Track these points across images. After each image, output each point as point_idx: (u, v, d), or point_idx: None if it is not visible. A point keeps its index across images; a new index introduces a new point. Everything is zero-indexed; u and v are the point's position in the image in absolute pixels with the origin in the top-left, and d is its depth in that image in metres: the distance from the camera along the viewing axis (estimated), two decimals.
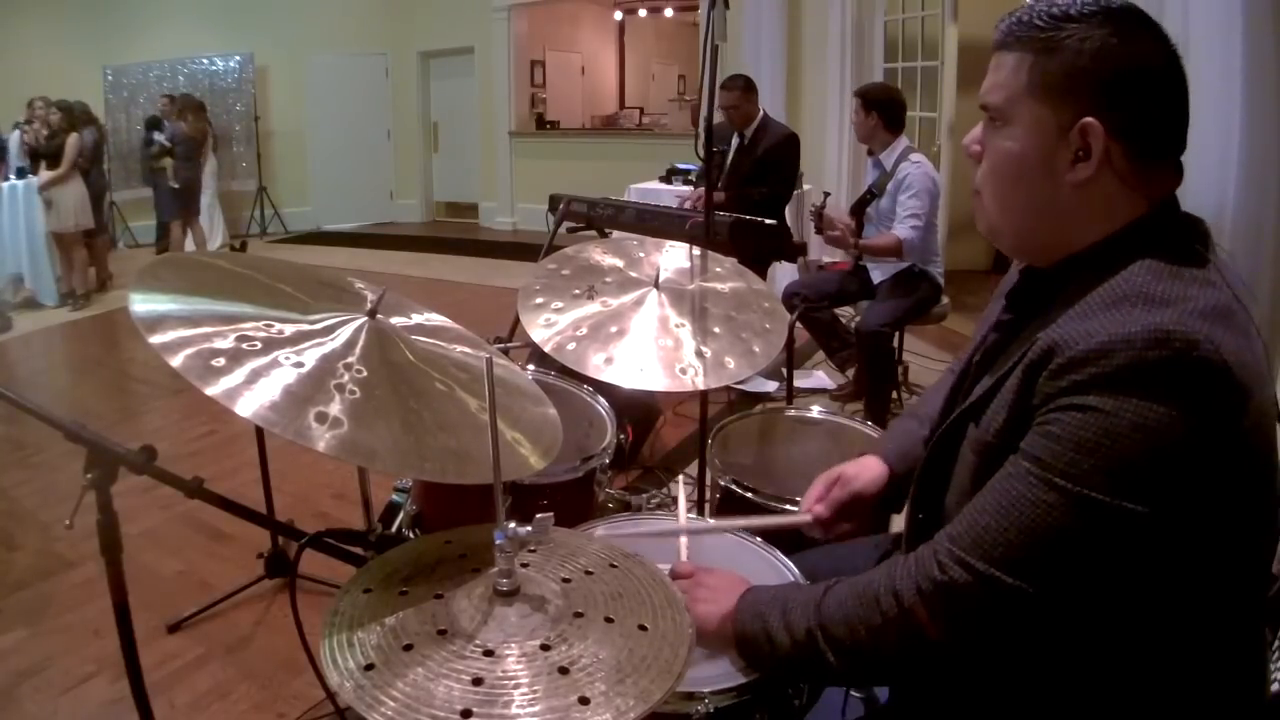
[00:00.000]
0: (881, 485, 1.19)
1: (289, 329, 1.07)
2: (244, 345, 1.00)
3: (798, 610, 0.89)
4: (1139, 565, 0.74)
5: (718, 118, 4.05)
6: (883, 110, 3.33)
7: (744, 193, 3.77)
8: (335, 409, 0.97)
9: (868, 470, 1.20)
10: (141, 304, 1.01)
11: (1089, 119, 0.80)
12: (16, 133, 5.98)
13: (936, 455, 0.97)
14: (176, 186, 7.03)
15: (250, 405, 0.92)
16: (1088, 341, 0.74)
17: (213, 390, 0.92)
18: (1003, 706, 0.86)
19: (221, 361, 0.96)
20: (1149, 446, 0.71)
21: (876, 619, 0.84)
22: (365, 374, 1.04)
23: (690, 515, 1.26)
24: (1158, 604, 0.77)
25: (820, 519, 1.19)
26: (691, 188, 4.84)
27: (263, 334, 1.03)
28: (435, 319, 1.40)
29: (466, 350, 1.31)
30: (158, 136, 7.03)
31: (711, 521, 1.34)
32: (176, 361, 0.94)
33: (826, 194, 3.53)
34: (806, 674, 0.97)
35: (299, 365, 1.00)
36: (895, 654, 0.84)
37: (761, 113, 4.01)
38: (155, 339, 0.96)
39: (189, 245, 7.65)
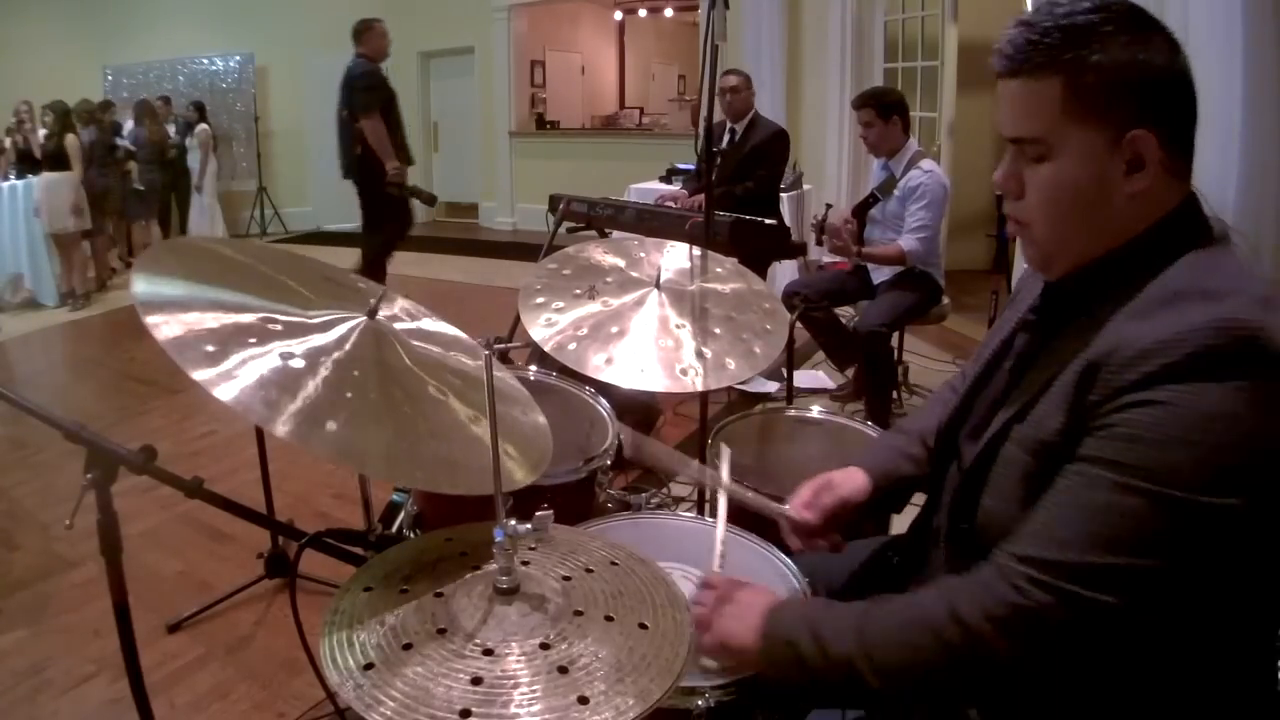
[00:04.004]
0: (865, 496, 1.16)
1: (288, 322, 1.06)
2: (241, 334, 0.99)
3: (833, 635, 0.86)
4: (1226, 562, 0.72)
5: (716, 112, 4.07)
6: (901, 113, 3.28)
7: (727, 190, 3.77)
8: (327, 408, 0.95)
9: (854, 479, 1.18)
10: (144, 286, 1.00)
11: (1139, 130, 0.79)
12: (74, 136, 5.99)
13: (978, 461, 0.93)
14: (142, 189, 7.06)
15: (232, 391, 0.90)
16: (1150, 336, 0.74)
17: (201, 375, 0.90)
18: (1022, 706, 0.84)
19: (213, 348, 0.94)
20: (1229, 435, 0.70)
21: (936, 646, 0.80)
22: (359, 374, 1.03)
23: (714, 520, 1.23)
24: (1228, 598, 0.76)
25: (804, 523, 1.15)
26: (676, 187, 4.87)
27: (261, 325, 1.02)
28: (434, 323, 1.40)
29: (463, 357, 1.30)
30: (120, 141, 7.04)
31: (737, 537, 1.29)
32: (168, 341, 0.92)
33: (828, 205, 3.52)
34: (840, 694, 0.94)
35: (292, 358, 0.99)
36: (957, 678, 0.81)
37: (754, 109, 4.04)
38: (151, 319, 0.94)
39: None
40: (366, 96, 4.69)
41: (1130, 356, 0.74)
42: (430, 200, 5.46)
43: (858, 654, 0.84)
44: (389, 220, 5.20)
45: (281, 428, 0.90)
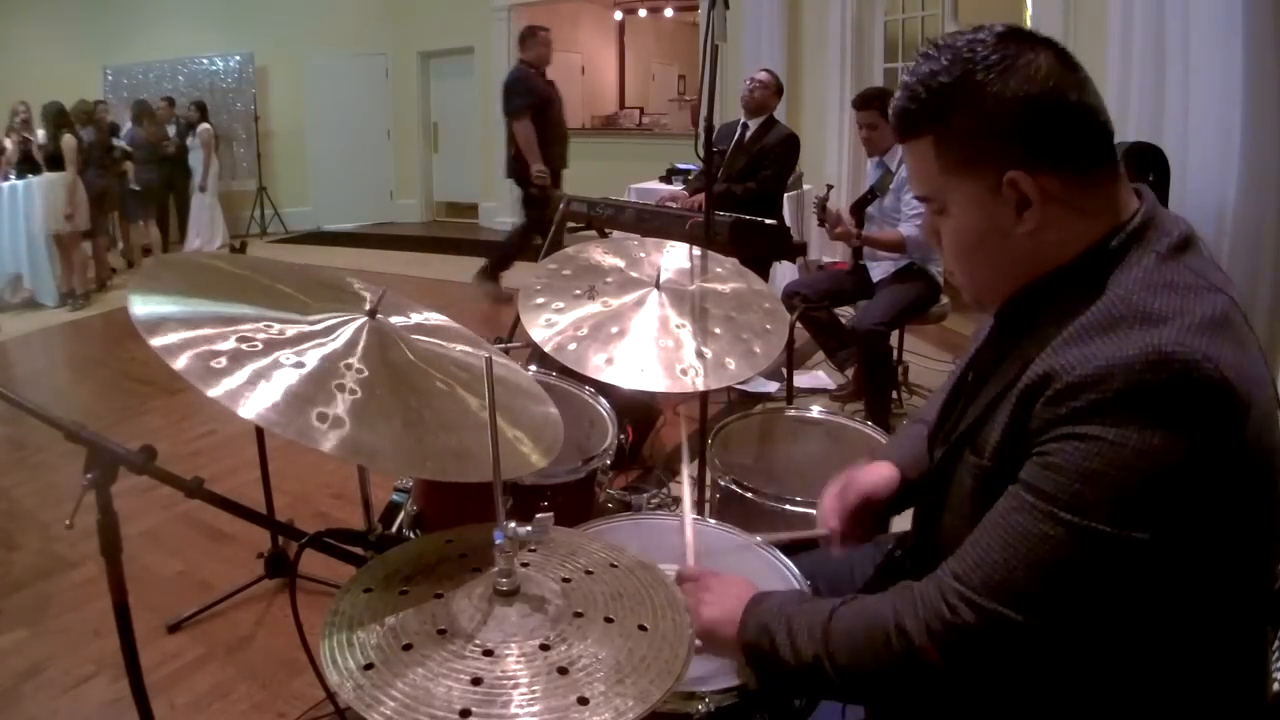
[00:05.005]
0: (893, 489, 1.15)
1: (289, 330, 1.07)
2: (244, 346, 1.00)
3: (804, 631, 0.88)
4: (1146, 589, 0.74)
5: (732, 107, 4.09)
6: None
7: (728, 189, 3.76)
8: (337, 409, 0.97)
9: (877, 473, 1.17)
10: (141, 306, 1.01)
11: (1011, 173, 0.79)
12: (71, 137, 5.98)
13: (936, 477, 0.97)
14: (138, 189, 7.06)
15: (253, 407, 0.92)
16: (1085, 366, 0.73)
17: (214, 392, 0.92)
18: (1002, 713, 0.86)
19: (222, 363, 0.96)
20: (1153, 474, 0.70)
21: (885, 654, 0.82)
22: (366, 374, 1.04)
23: (694, 516, 1.25)
24: (1163, 617, 0.77)
25: (835, 532, 1.15)
26: (677, 187, 4.88)
27: (263, 335, 1.03)
28: (435, 318, 1.40)
29: (466, 349, 1.31)
30: (117, 141, 7.04)
31: (739, 537, 1.30)
32: (179, 364, 0.94)
33: (830, 186, 3.52)
34: (809, 689, 0.97)
35: (300, 366, 1.00)
36: (902, 687, 0.83)
37: (772, 112, 4.04)
38: (156, 341, 0.96)
39: (191, 244, 7.69)
40: (517, 100, 5.18)
41: (1063, 388, 0.74)
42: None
43: (822, 652, 0.86)
44: (535, 218, 5.45)
45: (298, 431, 0.91)
